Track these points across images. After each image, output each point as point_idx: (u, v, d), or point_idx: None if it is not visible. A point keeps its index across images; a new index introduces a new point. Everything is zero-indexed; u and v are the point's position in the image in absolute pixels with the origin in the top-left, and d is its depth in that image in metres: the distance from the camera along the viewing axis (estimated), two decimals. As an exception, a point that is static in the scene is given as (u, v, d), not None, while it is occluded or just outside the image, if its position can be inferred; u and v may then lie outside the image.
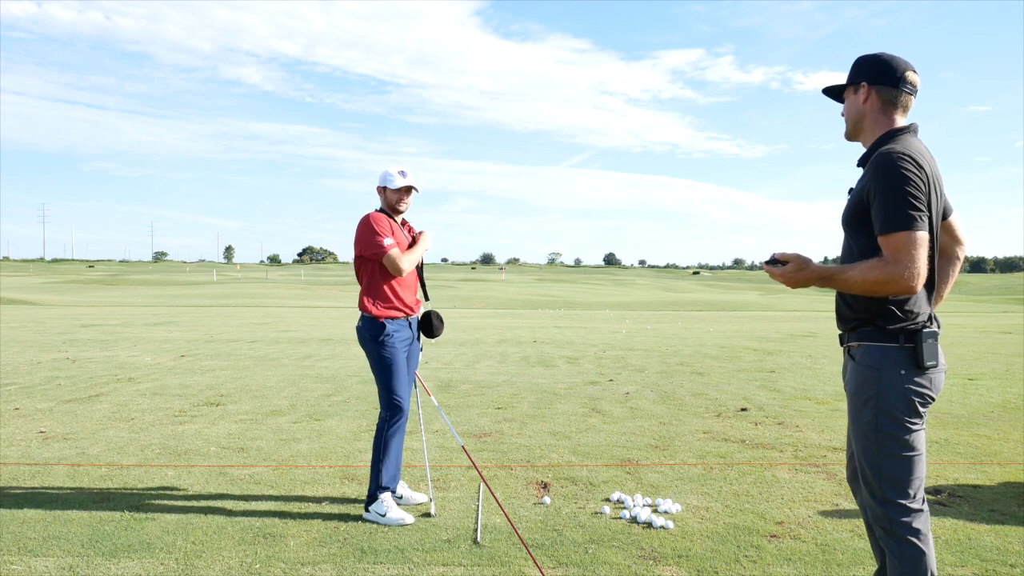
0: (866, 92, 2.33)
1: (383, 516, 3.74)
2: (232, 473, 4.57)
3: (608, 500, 4.07)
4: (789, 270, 2.24)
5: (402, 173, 3.99)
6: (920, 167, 2.14)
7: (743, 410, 6.80)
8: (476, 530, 3.58)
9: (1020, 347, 13.36)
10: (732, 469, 4.73)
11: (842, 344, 2.40)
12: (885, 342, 2.22)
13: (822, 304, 40.65)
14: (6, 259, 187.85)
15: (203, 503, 3.98)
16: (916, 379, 2.20)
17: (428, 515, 3.82)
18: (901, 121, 2.32)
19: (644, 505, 3.93)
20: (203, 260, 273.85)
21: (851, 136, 2.43)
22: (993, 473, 4.64)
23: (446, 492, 4.22)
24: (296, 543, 3.41)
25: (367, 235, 3.82)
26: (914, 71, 2.33)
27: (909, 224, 2.09)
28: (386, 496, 3.81)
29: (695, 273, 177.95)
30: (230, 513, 3.81)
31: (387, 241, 3.79)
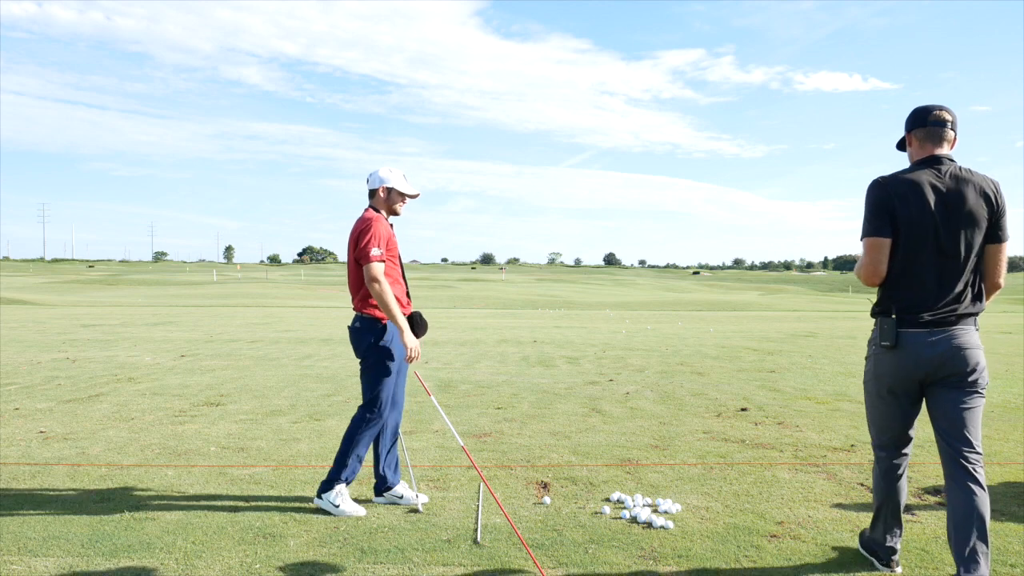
0: (909, 139, 2.95)
1: (336, 507, 3.78)
2: (232, 473, 4.57)
3: (608, 500, 4.07)
4: None
5: (404, 177, 4.00)
6: (883, 187, 2.82)
7: (743, 410, 6.80)
8: (476, 530, 3.58)
9: (1020, 347, 13.36)
10: (732, 469, 4.73)
11: None
12: (874, 321, 2.97)
13: (822, 304, 40.64)
14: (6, 259, 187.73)
15: (203, 503, 3.98)
16: (878, 354, 2.92)
17: (416, 511, 3.82)
18: (937, 151, 2.86)
19: (644, 505, 3.93)
20: (203, 260, 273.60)
21: (906, 169, 2.94)
22: (993, 473, 4.63)
23: (446, 492, 4.22)
24: (296, 543, 3.40)
25: (362, 237, 3.79)
26: (941, 109, 2.86)
27: (865, 232, 2.84)
28: (342, 487, 3.84)
29: (695, 273, 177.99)
30: (230, 513, 3.81)
31: (375, 251, 3.73)
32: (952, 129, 2.84)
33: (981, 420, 2.85)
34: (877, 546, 3.12)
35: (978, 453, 2.83)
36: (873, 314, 2.92)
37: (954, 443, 2.83)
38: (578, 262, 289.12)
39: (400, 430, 4.34)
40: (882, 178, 2.84)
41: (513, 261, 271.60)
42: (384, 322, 3.85)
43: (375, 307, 3.84)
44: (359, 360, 3.95)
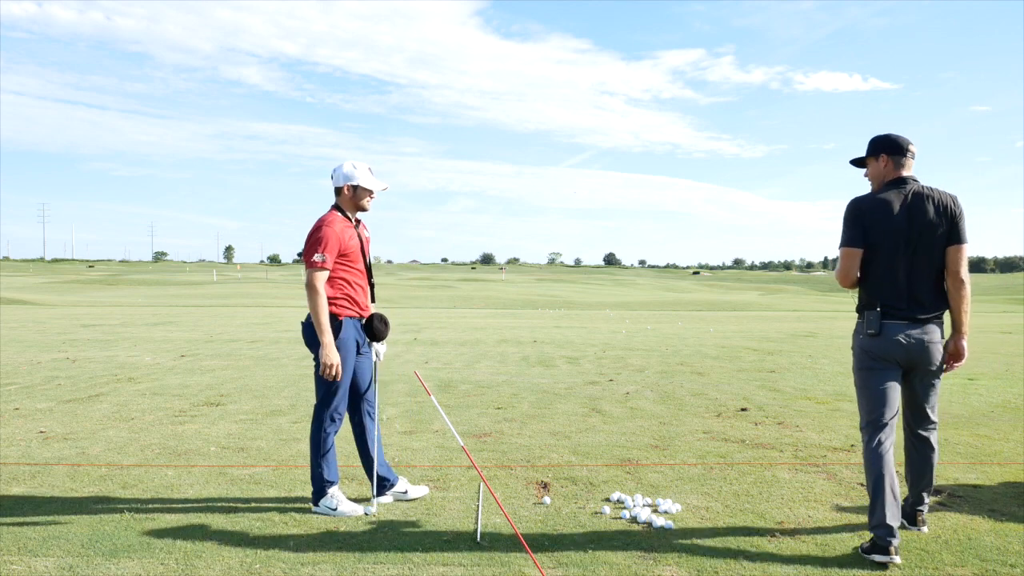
0: (882, 159, 3.48)
1: (334, 510, 3.78)
2: (232, 473, 4.57)
3: (608, 500, 4.07)
4: None
5: (370, 171, 3.92)
6: (860, 206, 3.42)
7: (743, 410, 6.80)
8: (476, 530, 3.58)
9: (1020, 347, 13.36)
10: (732, 469, 4.73)
11: None
12: (858, 317, 3.54)
13: (822, 304, 40.65)
14: (6, 259, 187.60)
15: (203, 503, 3.98)
16: (863, 341, 3.45)
17: (364, 507, 3.82)
18: (903, 173, 3.46)
19: (644, 505, 3.93)
20: (203, 260, 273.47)
21: (877, 190, 3.51)
22: (993, 473, 4.63)
23: (446, 492, 4.22)
24: (296, 543, 3.40)
25: (309, 239, 3.75)
26: (910, 143, 3.48)
27: (842, 242, 3.45)
28: (334, 490, 3.84)
29: (695, 273, 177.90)
30: (230, 513, 3.81)
31: (317, 257, 3.69)
32: (913, 158, 3.51)
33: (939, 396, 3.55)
34: (878, 531, 3.19)
35: (934, 423, 3.53)
36: (859, 308, 3.50)
37: (919, 419, 3.52)
38: (578, 262, 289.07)
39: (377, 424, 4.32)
40: (859, 198, 3.46)
41: (513, 261, 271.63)
42: (340, 319, 3.80)
43: (332, 304, 3.79)
44: (313, 357, 3.90)
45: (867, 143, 3.61)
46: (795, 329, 18.35)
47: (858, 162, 3.63)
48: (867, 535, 3.39)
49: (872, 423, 3.40)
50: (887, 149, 3.49)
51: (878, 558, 3.15)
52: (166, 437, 5.53)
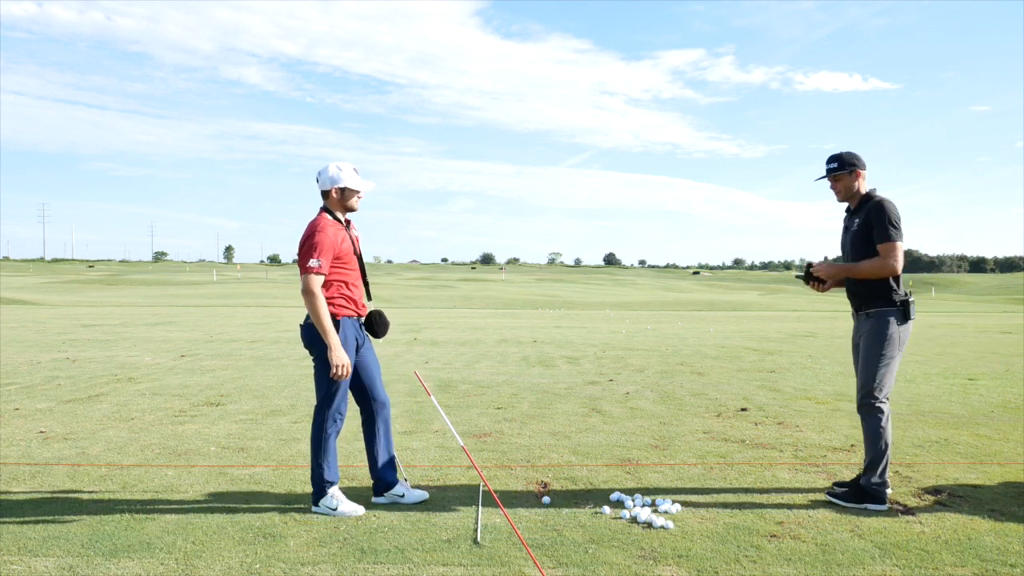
0: (858, 175, 4.05)
1: (334, 510, 3.78)
2: (232, 473, 4.57)
3: (608, 500, 4.07)
4: (822, 267, 4.17)
5: (355, 171, 3.92)
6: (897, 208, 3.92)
7: (743, 410, 6.80)
8: (476, 530, 3.58)
9: (1020, 347, 13.37)
10: (732, 469, 4.73)
11: (858, 311, 4.13)
12: (888, 307, 3.96)
13: (821, 304, 40.64)
14: (6, 259, 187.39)
15: (203, 503, 3.98)
16: (902, 327, 3.96)
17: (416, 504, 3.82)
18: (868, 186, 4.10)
19: (644, 505, 3.93)
20: (203, 260, 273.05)
21: (845, 200, 4.13)
22: (993, 473, 4.63)
23: (446, 492, 4.22)
24: (296, 543, 3.40)
25: (303, 245, 3.75)
26: None
27: (897, 237, 3.87)
28: (334, 490, 3.84)
29: (695, 273, 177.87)
30: (230, 513, 3.81)
31: (312, 263, 3.69)
32: None
33: None
34: (878, 488, 3.92)
35: None
36: (895, 299, 3.94)
37: None
38: (578, 262, 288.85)
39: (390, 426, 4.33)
40: (891, 200, 3.95)
41: (513, 261, 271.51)
42: (338, 319, 3.80)
43: (329, 305, 3.78)
44: (312, 358, 3.88)
45: (835, 160, 4.04)
46: (795, 329, 18.35)
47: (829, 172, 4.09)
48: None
49: (888, 396, 4.01)
50: (862, 166, 4.06)
51: (873, 507, 3.89)
52: (166, 437, 5.53)
